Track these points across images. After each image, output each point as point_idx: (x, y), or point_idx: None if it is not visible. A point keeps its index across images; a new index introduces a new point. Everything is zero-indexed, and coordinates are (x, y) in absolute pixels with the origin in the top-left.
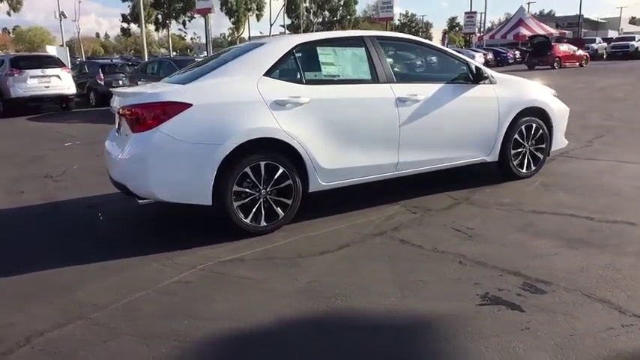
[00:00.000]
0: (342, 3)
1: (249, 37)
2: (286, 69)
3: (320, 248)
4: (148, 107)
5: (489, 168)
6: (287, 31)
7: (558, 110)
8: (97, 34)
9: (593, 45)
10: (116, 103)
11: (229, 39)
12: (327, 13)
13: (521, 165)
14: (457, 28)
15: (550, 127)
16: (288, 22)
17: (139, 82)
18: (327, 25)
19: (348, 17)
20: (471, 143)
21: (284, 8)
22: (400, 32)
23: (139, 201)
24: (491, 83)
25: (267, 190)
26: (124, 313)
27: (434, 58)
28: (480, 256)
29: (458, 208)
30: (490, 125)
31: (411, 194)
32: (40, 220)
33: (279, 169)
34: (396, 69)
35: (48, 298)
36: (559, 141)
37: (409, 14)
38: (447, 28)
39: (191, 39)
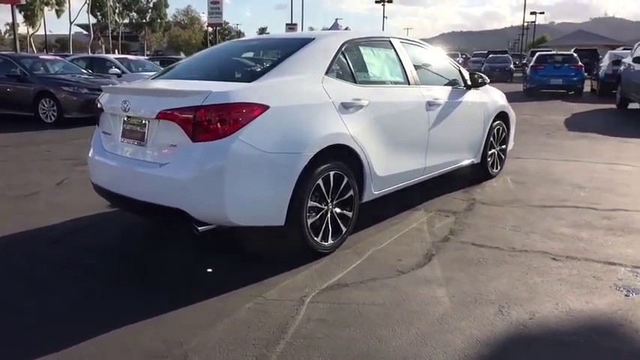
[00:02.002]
0: (151, 5)
1: (45, 34)
2: (340, 68)
3: (410, 261)
4: (219, 109)
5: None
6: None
7: (513, 114)
8: None
9: None
10: (131, 104)
11: (7, 36)
12: (134, 14)
13: (493, 165)
14: None
15: (509, 129)
16: (93, 20)
17: None
18: (136, 27)
19: (159, 20)
20: (468, 146)
21: (87, 6)
22: (214, 40)
23: (200, 228)
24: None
25: (333, 203)
26: None
27: (437, 63)
28: (561, 252)
29: (478, 208)
30: (480, 128)
31: (417, 199)
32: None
33: (344, 179)
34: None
35: None
36: (511, 142)
37: (224, 22)
38: None
39: None
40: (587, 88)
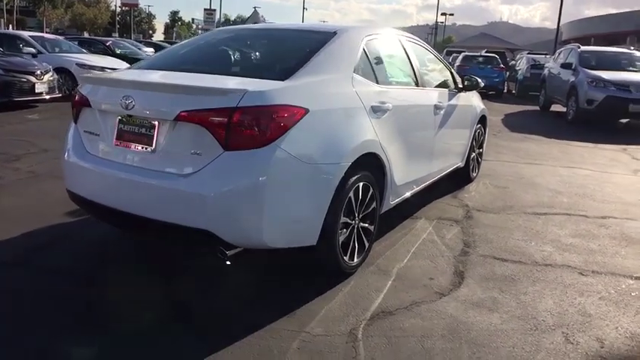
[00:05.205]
0: None
1: None
2: (364, 67)
3: (443, 280)
4: (259, 112)
5: None
6: None
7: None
8: None
9: None
10: (137, 101)
11: None
12: None
13: (473, 168)
14: (179, 23)
15: (485, 133)
16: None
17: None
18: (33, 2)
19: None
20: (459, 150)
21: None
22: (123, 21)
23: (229, 252)
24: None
25: (359, 217)
26: None
27: (435, 64)
28: (583, 265)
29: (477, 216)
30: (468, 131)
31: (410, 206)
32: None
33: (369, 190)
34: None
35: None
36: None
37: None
38: (168, 21)
39: None
40: None
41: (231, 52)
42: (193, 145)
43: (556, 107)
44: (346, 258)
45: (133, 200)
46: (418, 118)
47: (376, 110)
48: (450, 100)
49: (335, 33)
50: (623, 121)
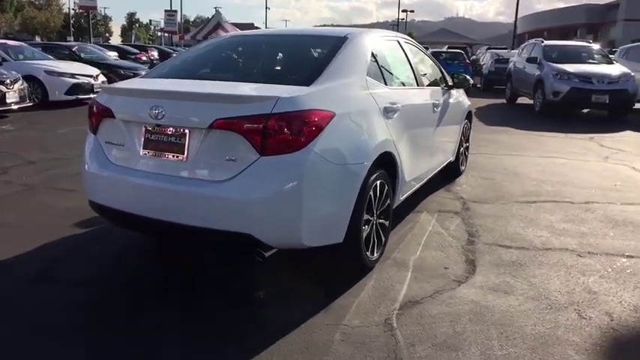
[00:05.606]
0: None
1: None
2: (374, 70)
3: (457, 268)
4: (293, 118)
5: None
6: None
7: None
8: None
9: None
10: (167, 111)
11: None
12: None
13: (462, 162)
14: (137, 25)
15: (471, 127)
16: None
17: None
18: None
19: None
20: (452, 145)
21: None
22: (78, 24)
23: (267, 253)
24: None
25: (377, 213)
26: None
27: (427, 63)
28: (579, 247)
29: (474, 207)
30: (459, 127)
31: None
32: None
33: (385, 187)
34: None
35: None
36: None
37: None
38: (125, 23)
39: None
40: None
41: (248, 59)
42: (227, 152)
43: (522, 100)
44: (368, 253)
45: (165, 208)
46: (421, 117)
47: (388, 111)
48: (443, 97)
49: (346, 37)
50: (585, 111)
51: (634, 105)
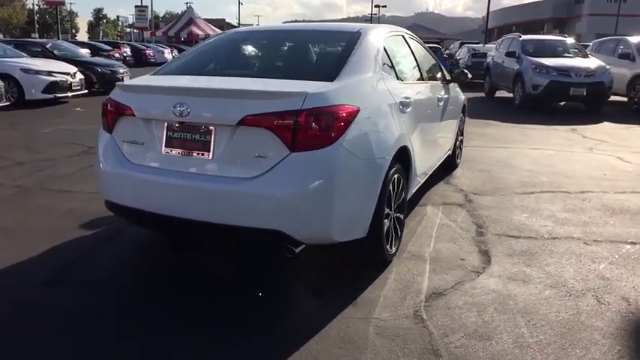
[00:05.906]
0: None
1: None
2: (386, 65)
3: (473, 259)
4: (323, 113)
5: None
6: None
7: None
8: None
9: None
10: (192, 108)
11: None
12: None
13: (458, 155)
14: (104, 21)
15: (464, 121)
16: None
17: None
18: None
19: None
20: (451, 138)
21: None
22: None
23: (297, 249)
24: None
25: (394, 207)
26: None
27: (428, 57)
28: (585, 236)
29: (476, 199)
30: (456, 120)
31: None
32: None
33: (401, 181)
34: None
35: None
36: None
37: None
38: (92, 19)
39: None
40: None
41: (265, 55)
42: (256, 148)
43: (500, 93)
44: (387, 247)
45: (191, 206)
46: (428, 110)
47: (403, 105)
48: (444, 91)
49: (359, 33)
50: (562, 103)
51: (609, 97)
